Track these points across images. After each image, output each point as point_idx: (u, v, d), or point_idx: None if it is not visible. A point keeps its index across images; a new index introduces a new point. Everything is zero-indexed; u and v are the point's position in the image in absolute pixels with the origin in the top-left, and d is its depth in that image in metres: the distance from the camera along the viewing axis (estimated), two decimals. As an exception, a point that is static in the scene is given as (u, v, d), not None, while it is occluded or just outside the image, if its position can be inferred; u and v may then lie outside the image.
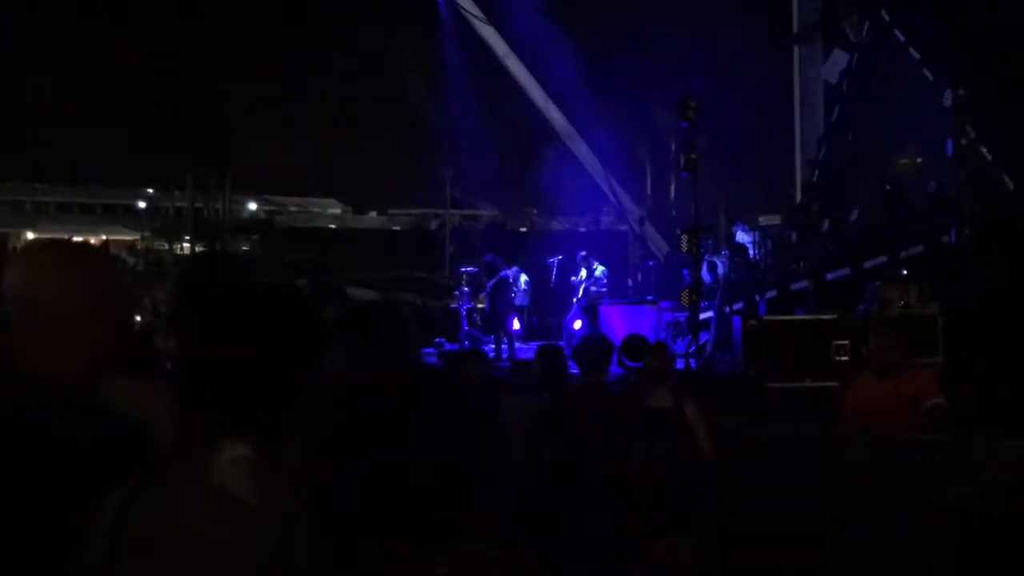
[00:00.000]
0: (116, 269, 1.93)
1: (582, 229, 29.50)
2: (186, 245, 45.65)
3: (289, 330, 1.51)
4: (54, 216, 57.64)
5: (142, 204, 56.88)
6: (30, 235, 49.85)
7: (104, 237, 51.63)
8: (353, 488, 1.18)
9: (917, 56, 13.34)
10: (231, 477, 1.42)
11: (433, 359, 11.69)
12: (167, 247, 46.09)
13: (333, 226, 56.37)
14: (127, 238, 50.87)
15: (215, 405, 1.46)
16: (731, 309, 11.97)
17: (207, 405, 1.46)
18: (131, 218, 55.31)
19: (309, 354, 1.54)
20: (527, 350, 12.59)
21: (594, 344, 5.14)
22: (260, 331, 1.48)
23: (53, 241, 1.87)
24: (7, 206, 58.97)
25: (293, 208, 59.98)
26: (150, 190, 55.95)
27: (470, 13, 17.86)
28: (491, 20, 17.92)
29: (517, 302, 14.54)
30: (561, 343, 13.15)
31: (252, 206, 56.28)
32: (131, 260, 37.88)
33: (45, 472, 1.55)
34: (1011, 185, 10.99)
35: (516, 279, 14.69)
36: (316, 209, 62.80)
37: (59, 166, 55.26)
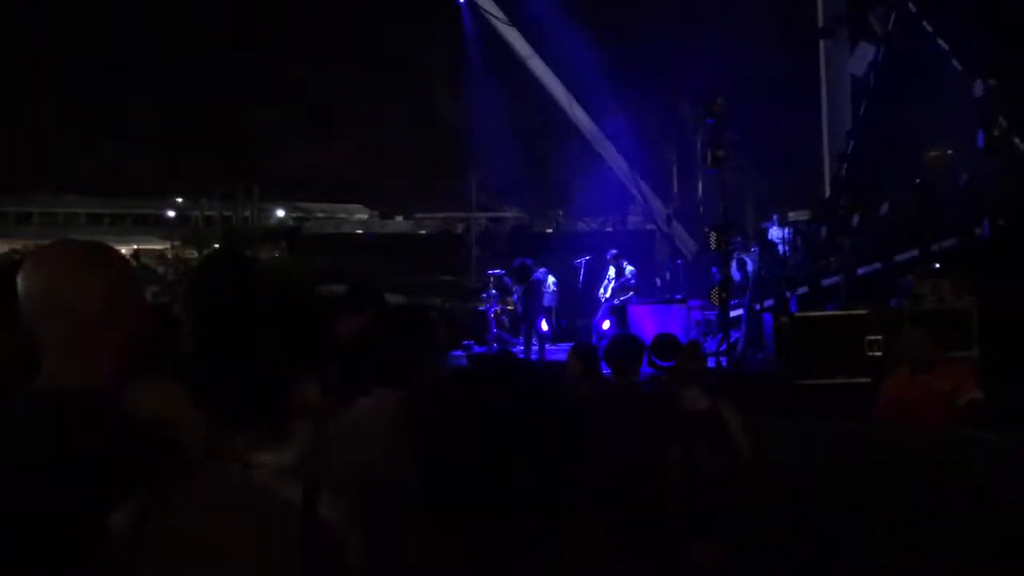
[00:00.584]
0: (134, 271, 1.90)
1: (608, 229, 29.36)
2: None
3: (297, 331, 1.50)
4: (85, 227, 58.37)
5: (171, 213, 57.48)
6: (63, 246, 50.48)
7: (135, 247, 52.23)
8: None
9: (946, 47, 13.15)
10: (257, 480, 1.42)
11: (462, 362, 11.71)
12: (197, 256, 46.54)
13: (360, 231, 56.64)
14: (157, 247, 51.40)
15: (225, 406, 1.46)
16: (761, 306, 11.88)
17: (217, 406, 1.46)
18: (161, 227, 55.89)
19: (317, 354, 1.53)
20: (557, 351, 12.58)
21: (625, 344, 5.11)
22: (267, 331, 1.48)
23: (69, 242, 1.85)
24: (39, 217, 59.86)
25: (320, 214, 60.36)
26: (179, 199, 56.55)
27: (492, 15, 17.88)
28: (513, 22, 17.93)
29: (545, 303, 14.54)
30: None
31: (280, 213, 56.69)
32: (161, 269, 38.28)
33: (67, 483, 1.54)
34: (1045, 175, 10.83)
35: (544, 280, 14.70)
36: (343, 215, 63.16)
37: (89, 177, 56.03)
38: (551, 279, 14.84)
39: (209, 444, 1.48)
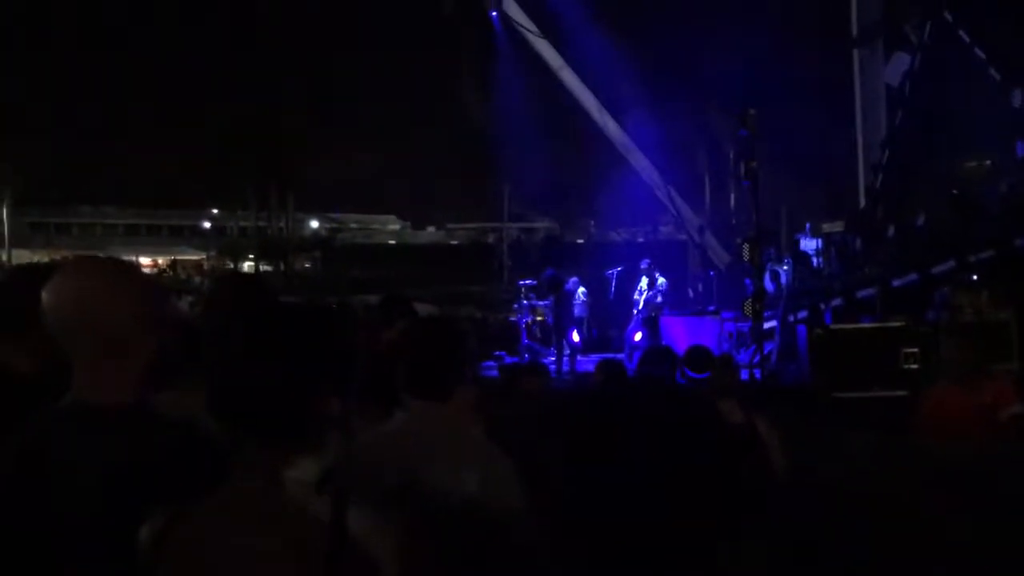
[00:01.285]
0: (160, 287, 1.92)
1: (640, 240, 29.32)
2: (250, 263, 46.55)
3: (316, 350, 1.51)
4: (123, 238, 59.25)
5: (207, 224, 58.18)
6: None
7: (172, 257, 52.95)
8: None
9: (983, 56, 13.04)
10: (283, 495, 1.44)
11: (493, 372, 11.72)
12: (232, 266, 47.04)
13: (392, 242, 56.97)
14: (193, 258, 52.07)
15: (245, 423, 1.47)
16: (795, 318, 11.79)
17: (237, 423, 1.48)
18: (197, 238, 56.60)
19: (339, 374, 1.54)
20: (588, 362, 12.56)
21: (659, 357, 5.10)
22: (285, 351, 1.49)
23: (95, 258, 1.87)
24: (78, 229, 60.89)
25: (354, 225, 60.80)
26: (215, 211, 57.23)
27: (524, 28, 17.95)
28: (545, 33, 17.98)
29: (576, 314, 14.54)
30: (622, 355, 13.13)
31: (314, 223, 57.19)
32: (198, 279, 38.76)
33: (94, 498, 1.56)
34: (1086, 185, 10.69)
35: (575, 291, 14.70)
36: (376, 225, 63.58)
37: (127, 189, 56.92)
38: (581, 289, 14.82)
39: (234, 459, 1.49)
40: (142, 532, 1.46)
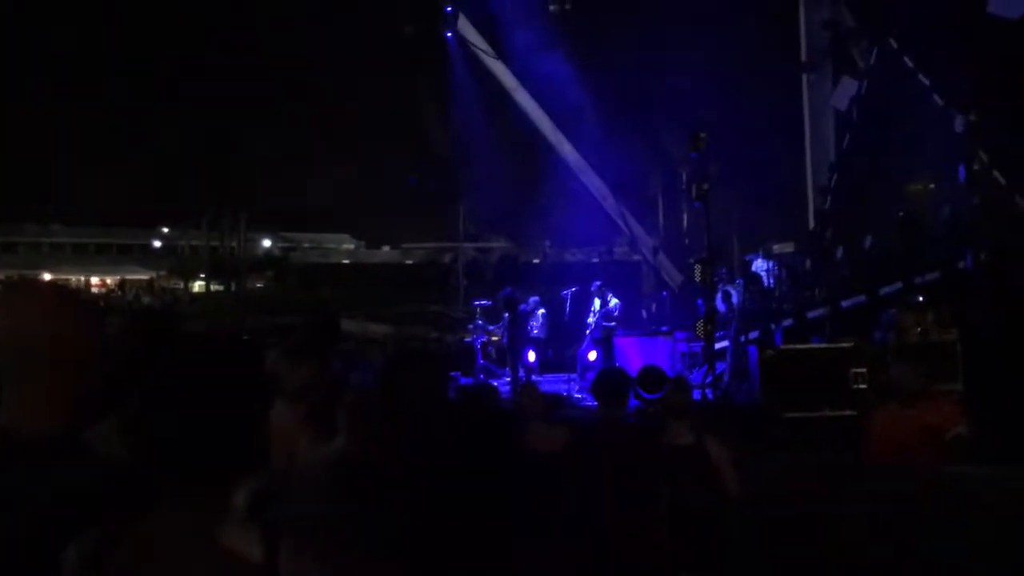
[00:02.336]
0: (99, 314, 1.87)
1: (595, 260, 29.49)
2: (200, 282, 45.91)
3: (228, 383, 1.49)
4: (71, 257, 58.09)
5: (157, 243, 57.32)
6: (47, 276, 50.25)
7: (120, 277, 52.04)
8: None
9: (927, 82, 13.35)
10: (209, 526, 1.41)
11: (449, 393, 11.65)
12: (183, 285, 46.36)
13: (347, 261, 56.60)
14: (143, 277, 51.24)
15: (164, 457, 1.44)
16: (747, 338, 11.91)
17: (156, 457, 1.45)
18: (147, 257, 55.73)
19: (251, 405, 1.52)
20: (545, 383, 12.56)
21: (613, 378, 5.11)
22: (198, 385, 1.47)
23: (30, 282, 1.83)
24: (24, 248, 59.56)
25: (307, 244, 60.31)
26: (165, 229, 56.42)
27: (479, 48, 18.03)
28: (500, 55, 18.07)
29: (536, 334, 14.56)
30: (574, 375, 13.16)
31: (267, 243, 56.62)
32: (147, 299, 38.11)
33: (15, 527, 1.51)
34: (1025, 208, 10.95)
35: (535, 311, 14.73)
36: (330, 245, 63.13)
37: (75, 207, 55.87)
38: (541, 311, 14.86)
39: (160, 495, 1.46)
40: (66, 559, 1.42)
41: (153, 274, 50.27)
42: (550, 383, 13.06)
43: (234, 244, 43.66)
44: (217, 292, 41.74)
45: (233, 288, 39.57)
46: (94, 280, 53.11)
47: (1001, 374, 8.81)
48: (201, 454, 1.44)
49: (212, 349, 1.58)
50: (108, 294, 44.29)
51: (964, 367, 9.29)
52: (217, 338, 1.94)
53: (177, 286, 46.73)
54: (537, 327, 14.68)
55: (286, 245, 56.98)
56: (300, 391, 2.42)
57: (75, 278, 52.81)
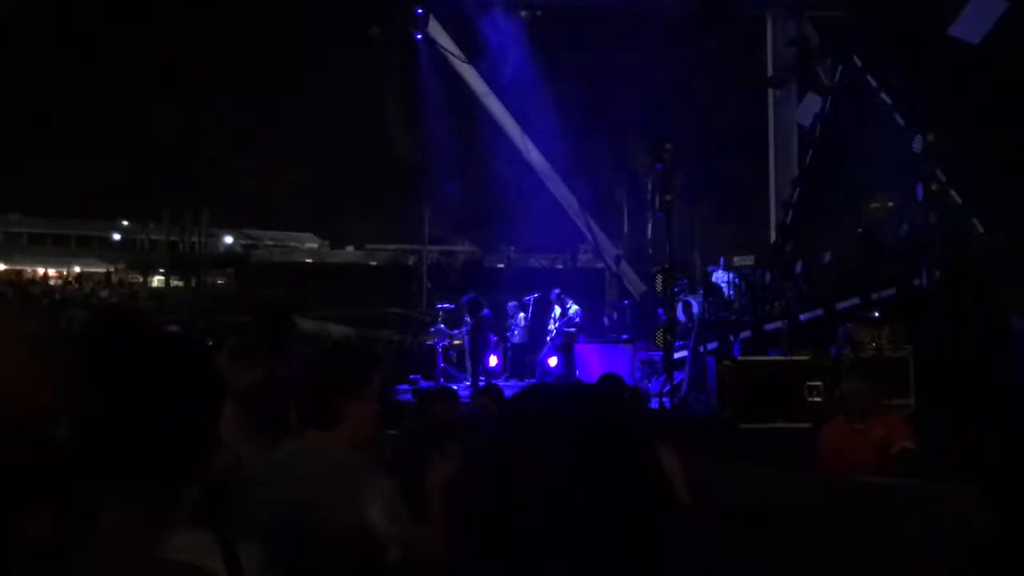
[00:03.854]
0: (39, 338, 1.73)
1: (559, 266, 29.62)
2: (160, 277, 45.32)
3: (178, 382, 1.47)
4: (27, 247, 57.02)
5: (117, 236, 56.48)
6: (1, 267, 49.30)
7: (77, 269, 51.22)
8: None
9: (888, 101, 13.56)
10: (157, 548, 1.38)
11: (407, 396, 11.62)
12: (141, 280, 45.74)
13: (309, 260, 56.19)
14: (100, 270, 50.45)
15: (111, 463, 1.41)
16: (705, 349, 12.01)
17: (104, 456, 1.42)
18: (106, 250, 54.87)
19: (202, 407, 1.50)
20: (508, 387, 12.56)
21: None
22: (147, 384, 1.44)
23: None
24: (-21, 238, 58.37)
25: (270, 242, 59.80)
26: (125, 222, 55.61)
27: (449, 52, 18.01)
28: (470, 59, 18.07)
29: (516, 340, 14.64)
30: (533, 381, 13.17)
31: (228, 240, 56.05)
32: (105, 293, 37.54)
33: None
34: (980, 229, 11.14)
35: (515, 315, 14.80)
36: (293, 243, 62.64)
37: (33, 197, 54.85)
38: (521, 314, 14.91)
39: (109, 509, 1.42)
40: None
41: (111, 267, 49.55)
42: (513, 388, 13.06)
43: (195, 239, 43.18)
44: (176, 288, 41.23)
45: (193, 284, 39.14)
46: (51, 272, 52.15)
47: (951, 390, 8.97)
48: (148, 455, 1.42)
49: (163, 347, 1.56)
50: (64, 286, 43.53)
51: (917, 383, 9.45)
52: (169, 336, 1.91)
53: (136, 280, 46.10)
54: (518, 331, 14.77)
55: (248, 242, 56.48)
56: (245, 393, 2.39)
57: (30, 269, 51.86)
